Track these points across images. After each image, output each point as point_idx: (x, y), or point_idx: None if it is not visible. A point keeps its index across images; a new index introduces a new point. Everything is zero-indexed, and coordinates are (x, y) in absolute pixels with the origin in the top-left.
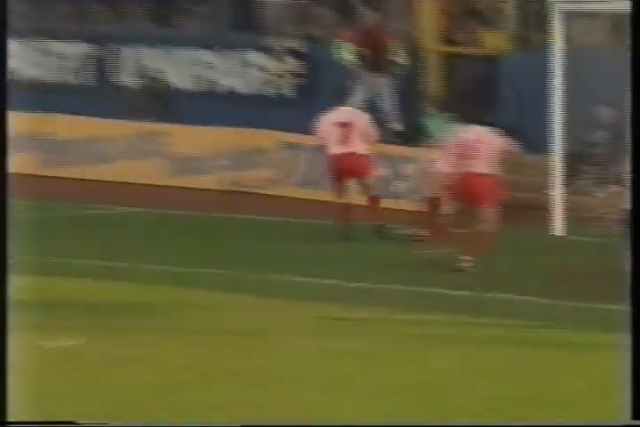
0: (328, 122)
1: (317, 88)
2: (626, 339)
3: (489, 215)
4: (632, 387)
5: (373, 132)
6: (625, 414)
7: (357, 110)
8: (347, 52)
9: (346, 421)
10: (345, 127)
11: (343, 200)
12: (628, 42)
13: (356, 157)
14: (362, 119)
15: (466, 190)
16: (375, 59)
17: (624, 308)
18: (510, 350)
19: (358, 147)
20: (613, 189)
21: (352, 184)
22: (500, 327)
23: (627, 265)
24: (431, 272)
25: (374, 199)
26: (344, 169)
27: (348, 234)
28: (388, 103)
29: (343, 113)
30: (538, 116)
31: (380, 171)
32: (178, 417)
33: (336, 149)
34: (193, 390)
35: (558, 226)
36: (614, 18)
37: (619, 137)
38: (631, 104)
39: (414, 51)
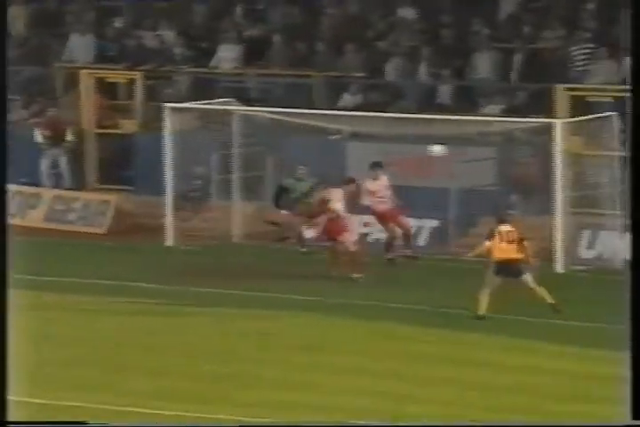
0: None
1: (14, 154)
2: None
3: None
4: (632, 387)
5: None
6: (625, 414)
7: None
8: (37, 134)
9: None
10: None
11: None
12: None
13: None
14: None
15: None
16: (55, 138)
17: None
18: None
19: None
20: (211, 214)
21: None
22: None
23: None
24: None
25: None
26: None
27: None
28: (64, 165)
29: None
30: (159, 172)
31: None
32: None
33: None
34: None
35: (170, 240)
36: (202, 111)
37: (207, 184)
38: (631, 104)
39: (80, 132)
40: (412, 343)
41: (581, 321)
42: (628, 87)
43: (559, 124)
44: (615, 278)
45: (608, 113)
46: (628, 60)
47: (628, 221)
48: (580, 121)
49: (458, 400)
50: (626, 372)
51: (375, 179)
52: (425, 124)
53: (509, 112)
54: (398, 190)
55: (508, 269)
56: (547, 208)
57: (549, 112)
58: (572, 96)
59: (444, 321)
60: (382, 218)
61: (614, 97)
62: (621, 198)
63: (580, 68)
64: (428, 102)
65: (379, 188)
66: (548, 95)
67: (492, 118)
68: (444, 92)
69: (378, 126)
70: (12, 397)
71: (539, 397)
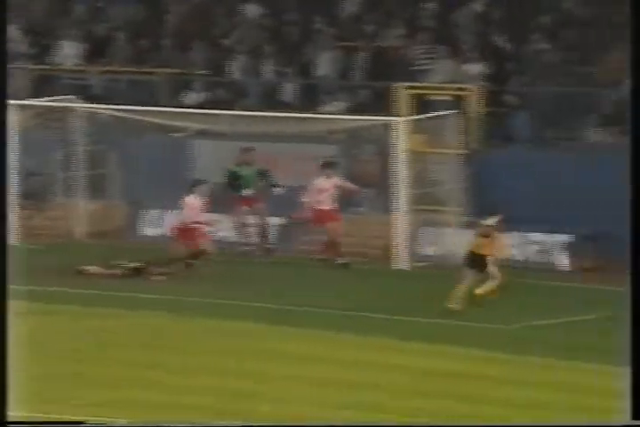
0: None
1: None
2: None
3: None
4: (632, 387)
5: None
6: (625, 414)
7: None
8: None
9: None
10: None
11: None
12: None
13: None
14: None
15: None
16: None
17: None
18: None
19: None
20: (51, 213)
21: None
22: None
23: None
24: None
25: None
26: None
27: None
28: None
29: None
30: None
31: None
32: None
33: None
34: None
35: (13, 239)
36: (44, 108)
37: (50, 182)
38: (631, 105)
39: None
40: (262, 341)
41: (430, 318)
42: (465, 86)
43: (400, 123)
44: (456, 275)
45: (448, 111)
46: (468, 59)
47: (468, 219)
48: (420, 119)
49: (309, 398)
50: (465, 367)
51: (328, 177)
52: (270, 122)
53: (353, 110)
54: None
55: (474, 262)
56: (390, 206)
57: (392, 110)
58: (413, 95)
59: (295, 319)
60: (317, 218)
61: (454, 95)
62: (461, 196)
63: (420, 67)
64: (273, 100)
65: (329, 186)
66: (390, 93)
67: (335, 116)
68: (288, 89)
69: (223, 124)
70: None
71: (388, 393)
